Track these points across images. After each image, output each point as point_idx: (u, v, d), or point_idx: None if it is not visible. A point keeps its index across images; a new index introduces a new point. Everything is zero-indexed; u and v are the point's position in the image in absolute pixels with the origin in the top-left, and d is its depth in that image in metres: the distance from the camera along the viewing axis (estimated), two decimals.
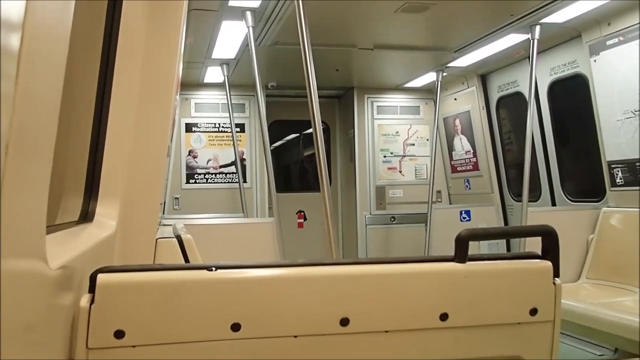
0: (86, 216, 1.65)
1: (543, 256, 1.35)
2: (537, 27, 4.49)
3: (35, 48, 0.68)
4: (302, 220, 7.38)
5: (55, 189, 0.90)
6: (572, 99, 5.23)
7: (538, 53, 4.63)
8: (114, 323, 1.08)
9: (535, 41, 4.55)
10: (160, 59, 1.88)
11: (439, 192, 7.11)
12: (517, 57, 5.53)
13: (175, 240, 2.06)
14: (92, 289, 1.08)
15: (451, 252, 1.32)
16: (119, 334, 1.08)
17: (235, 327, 1.14)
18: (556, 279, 1.33)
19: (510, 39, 4.92)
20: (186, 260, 2.05)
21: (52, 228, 1.15)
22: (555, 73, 5.15)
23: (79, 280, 1.10)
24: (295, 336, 1.18)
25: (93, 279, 1.08)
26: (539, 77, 5.17)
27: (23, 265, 0.75)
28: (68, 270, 0.99)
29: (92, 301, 1.07)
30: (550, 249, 1.34)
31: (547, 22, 4.43)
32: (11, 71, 0.61)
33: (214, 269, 1.15)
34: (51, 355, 0.96)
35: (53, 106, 0.82)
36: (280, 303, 1.18)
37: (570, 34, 4.71)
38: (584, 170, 5.49)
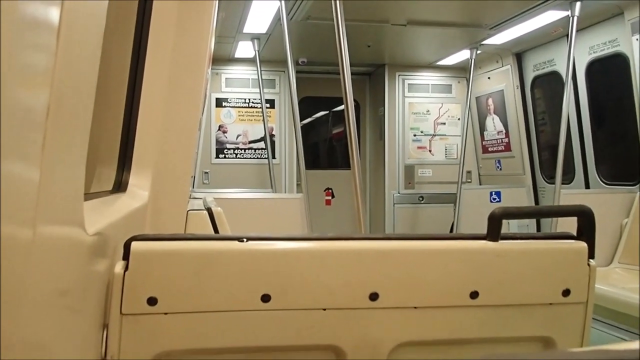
0: (119, 186, 1.68)
1: (578, 237, 1.32)
2: (577, 4, 4.35)
3: (74, 21, 0.68)
4: (329, 198, 7.38)
5: (90, 159, 0.91)
6: (611, 79, 5.07)
7: (577, 31, 4.50)
8: (147, 290, 1.10)
9: (575, 18, 4.41)
10: (192, 33, 1.88)
11: (469, 172, 7.03)
12: (554, 35, 5.38)
13: (205, 212, 2.09)
14: (126, 256, 1.10)
15: (480, 233, 1.30)
16: (152, 301, 1.10)
17: (266, 298, 1.15)
18: (591, 260, 1.31)
19: (548, 16, 4.77)
20: (216, 232, 2.07)
21: (87, 196, 1.18)
22: (594, 52, 5.00)
23: (113, 247, 1.12)
24: (325, 309, 1.19)
25: (127, 246, 1.10)
26: (577, 56, 5.02)
27: (62, 230, 0.77)
28: (103, 237, 1.01)
29: (126, 268, 1.09)
30: (586, 230, 1.31)
31: None
32: (51, 44, 0.61)
33: (245, 240, 1.16)
34: (86, 320, 0.98)
35: (91, 78, 0.83)
36: (310, 276, 1.18)
37: (612, 11, 4.55)
38: (620, 153, 5.35)
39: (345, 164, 7.07)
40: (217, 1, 2.11)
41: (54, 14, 0.61)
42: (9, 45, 0.49)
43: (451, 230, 6.39)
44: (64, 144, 0.72)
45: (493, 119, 6.70)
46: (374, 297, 1.20)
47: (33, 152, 0.59)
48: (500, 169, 6.72)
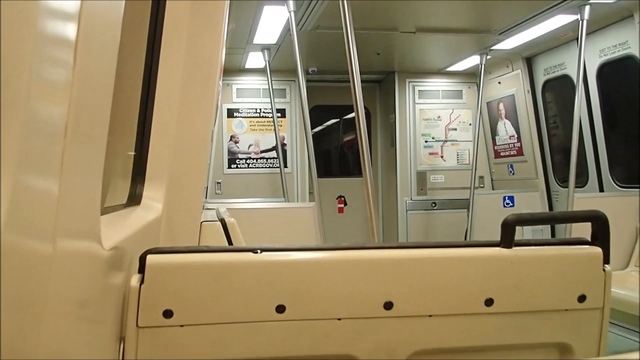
0: (134, 199, 1.69)
1: (592, 242, 1.31)
2: (587, 7, 4.33)
3: (90, 38, 0.70)
4: (342, 206, 7.38)
5: (105, 173, 0.93)
6: (623, 81, 5.04)
7: (587, 34, 4.48)
8: (162, 303, 1.11)
9: (585, 22, 4.39)
10: (203, 45, 1.90)
11: (481, 177, 7.00)
12: (564, 38, 5.36)
13: (219, 223, 2.10)
14: (141, 269, 1.11)
15: (493, 238, 1.30)
16: (168, 314, 1.11)
17: (280, 309, 1.15)
18: (606, 265, 1.30)
19: (558, 20, 4.76)
20: (230, 243, 2.09)
21: (103, 210, 1.19)
22: (604, 55, 4.97)
23: (129, 261, 1.13)
24: (339, 319, 1.19)
25: (143, 259, 1.11)
26: (587, 59, 5.00)
27: (80, 245, 0.78)
28: (119, 251, 1.02)
29: (142, 281, 1.10)
30: (600, 235, 1.30)
31: (597, 2, 4.27)
32: (69, 60, 0.63)
33: (259, 251, 1.17)
34: (103, 332, 0.99)
35: (107, 93, 0.84)
36: (324, 286, 1.18)
37: (622, 13, 4.52)
38: (633, 155, 5.30)
39: (357, 172, 7.07)
40: (227, 13, 2.13)
41: (71, 31, 0.63)
42: (29, 60, 0.50)
43: (465, 237, 6.35)
44: (82, 159, 0.73)
45: (504, 124, 6.68)
46: (388, 306, 1.20)
47: (52, 167, 0.60)
48: (513, 174, 6.68)
